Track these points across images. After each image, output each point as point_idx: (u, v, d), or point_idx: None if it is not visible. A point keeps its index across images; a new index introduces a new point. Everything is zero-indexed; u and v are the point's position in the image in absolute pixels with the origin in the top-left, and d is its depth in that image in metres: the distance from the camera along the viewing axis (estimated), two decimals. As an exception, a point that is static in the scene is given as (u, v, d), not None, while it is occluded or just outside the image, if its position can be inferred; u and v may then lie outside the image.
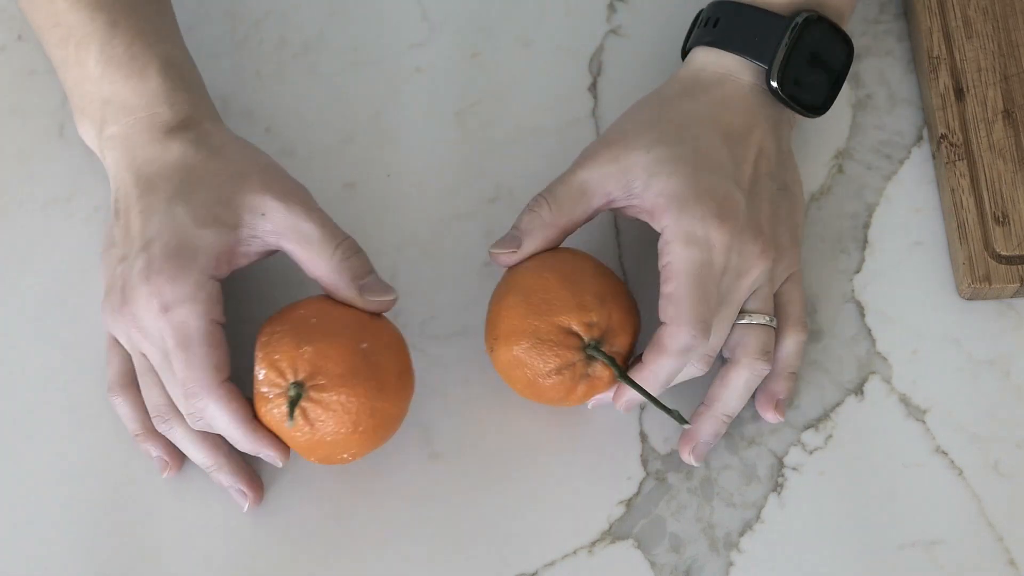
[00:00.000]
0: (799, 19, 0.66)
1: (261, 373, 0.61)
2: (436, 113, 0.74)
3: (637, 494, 0.66)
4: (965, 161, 0.71)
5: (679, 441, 0.67)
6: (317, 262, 0.62)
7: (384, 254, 0.70)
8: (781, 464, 0.67)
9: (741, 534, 0.66)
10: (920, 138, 0.74)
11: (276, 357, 0.61)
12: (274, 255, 0.64)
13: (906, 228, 0.72)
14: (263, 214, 0.62)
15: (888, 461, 0.67)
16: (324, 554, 0.65)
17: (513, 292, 0.64)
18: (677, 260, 0.62)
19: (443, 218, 0.72)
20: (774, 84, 0.66)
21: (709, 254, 0.62)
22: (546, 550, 0.65)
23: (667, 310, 0.62)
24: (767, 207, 0.65)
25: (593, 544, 0.66)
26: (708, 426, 0.66)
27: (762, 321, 0.65)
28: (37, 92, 0.73)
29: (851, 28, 0.76)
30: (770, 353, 0.65)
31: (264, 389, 0.61)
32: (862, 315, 0.70)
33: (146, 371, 0.64)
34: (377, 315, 0.63)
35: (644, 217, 0.65)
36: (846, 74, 0.68)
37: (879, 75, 0.75)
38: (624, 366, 0.64)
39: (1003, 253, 0.69)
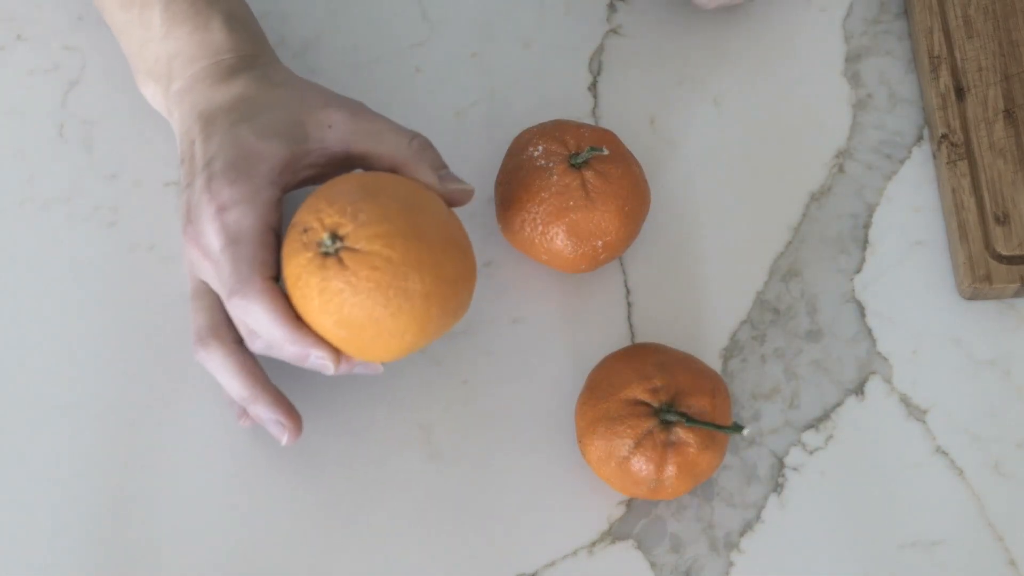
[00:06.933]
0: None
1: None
2: (436, 113, 0.74)
3: (637, 494, 0.66)
4: (966, 161, 0.71)
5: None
6: (394, 153, 0.63)
7: (384, 254, 0.70)
8: (781, 464, 0.67)
9: (741, 534, 0.66)
10: (920, 138, 0.74)
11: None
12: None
13: (906, 228, 0.72)
14: (330, 126, 0.63)
15: (888, 461, 0.67)
16: (324, 554, 0.65)
17: (584, 390, 0.65)
18: None
19: (443, 218, 0.72)
20: None
21: None
22: (546, 550, 0.65)
23: None
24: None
25: (593, 544, 0.66)
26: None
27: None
28: (37, 92, 0.73)
29: (851, 27, 0.76)
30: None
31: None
32: (862, 315, 0.70)
33: (200, 294, 0.63)
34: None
35: None
36: None
37: (879, 75, 0.75)
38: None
39: (1003, 253, 0.69)
